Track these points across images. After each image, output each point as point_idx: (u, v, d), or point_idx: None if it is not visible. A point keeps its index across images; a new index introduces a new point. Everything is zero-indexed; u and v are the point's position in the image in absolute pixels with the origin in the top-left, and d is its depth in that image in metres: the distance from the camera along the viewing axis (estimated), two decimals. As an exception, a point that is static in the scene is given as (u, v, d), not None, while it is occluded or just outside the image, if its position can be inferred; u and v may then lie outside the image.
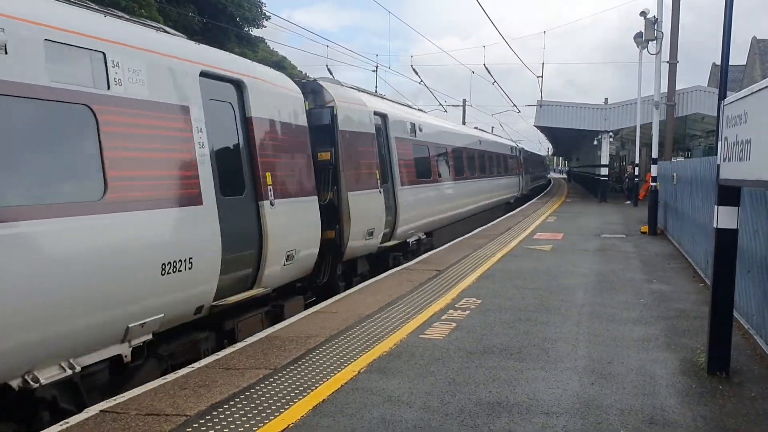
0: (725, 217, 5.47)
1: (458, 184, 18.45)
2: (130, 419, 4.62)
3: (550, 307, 8.13)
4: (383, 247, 12.14)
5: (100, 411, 4.78)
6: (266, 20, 32.85)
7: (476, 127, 31.60)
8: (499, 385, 5.31)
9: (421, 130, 15.13)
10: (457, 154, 18.80)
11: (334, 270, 10.47)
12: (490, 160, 24.09)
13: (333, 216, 10.14)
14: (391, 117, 13.18)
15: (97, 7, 6.14)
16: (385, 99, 14.66)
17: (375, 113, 12.19)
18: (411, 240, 13.67)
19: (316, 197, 9.23)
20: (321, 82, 10.74)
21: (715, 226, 5.53)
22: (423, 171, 14.95)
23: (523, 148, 38.20)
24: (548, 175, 70.07)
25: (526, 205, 29.27)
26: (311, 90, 10.47)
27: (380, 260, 12.41)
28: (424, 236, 14.72)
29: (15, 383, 4.71)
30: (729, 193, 5.47)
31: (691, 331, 6.94)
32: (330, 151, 10.14)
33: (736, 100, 5.11)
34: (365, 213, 10.99)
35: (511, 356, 6.09)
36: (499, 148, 27.83)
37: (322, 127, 10.26)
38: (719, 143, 5.68)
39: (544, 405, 4.87)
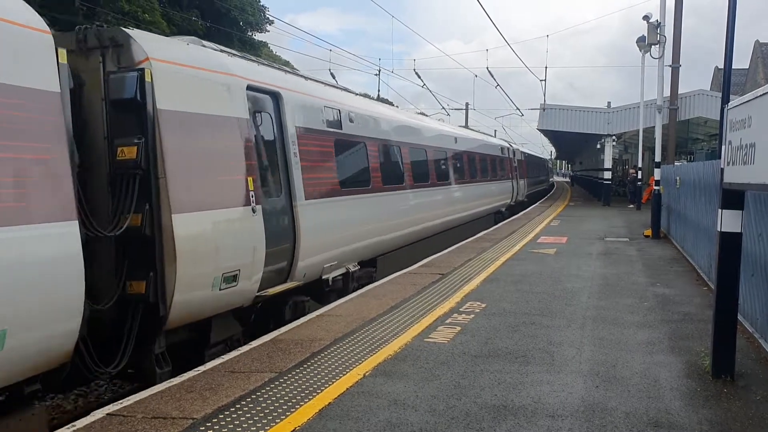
0: (729, 221, 5.49)
1: (419, 192, 14.48)
2: (137, 422, 4.65)
3: (555, 310, 8.14)
4: (264, 295, 7.86)
5: (107, 414, 4.81)
6: (269, 24, 33.10)
7: (474, 129, 30.96)
8: (504, 388, 5.33)
9: (352, 121, 11.01)
10: (417, 154, 14.86)
11: (147, 348, 6.41)
12: (470, 163, 20.28)
13: (142, 254, 6.20)
14: (289, 98, 8.88)
15: None
16: (292, 72, 10.75)
17: (253, 89, 7.99)
18: (331, 276, 9.70)
19: (75, 224, 5.15)
20: (128, 31, 6.46)
21: (718, 229, 5.55)
22: (353, 177, 10.99)
23: (518, 149, 34.46)
24: (551, 179, 69.70)
25: (529, 208, 29.28)
26: (111, 41, 6.30)
27: (270, 312, 8.48)
28: (357, 267, 10.72)
29: None
30: (733, 197, 5.48)
31: (695, 335, 6.95)
32: (137, 144, 6.14)
33: (740, 104, 5.13)
34: (217, 245, 6.90)
35: (515, 360, 6.11)
36: (484, 148, 23.63)
37: (125, 103, 6.21)
38: (723, 147, 5.70)
39: (549, 408, 4.89)
